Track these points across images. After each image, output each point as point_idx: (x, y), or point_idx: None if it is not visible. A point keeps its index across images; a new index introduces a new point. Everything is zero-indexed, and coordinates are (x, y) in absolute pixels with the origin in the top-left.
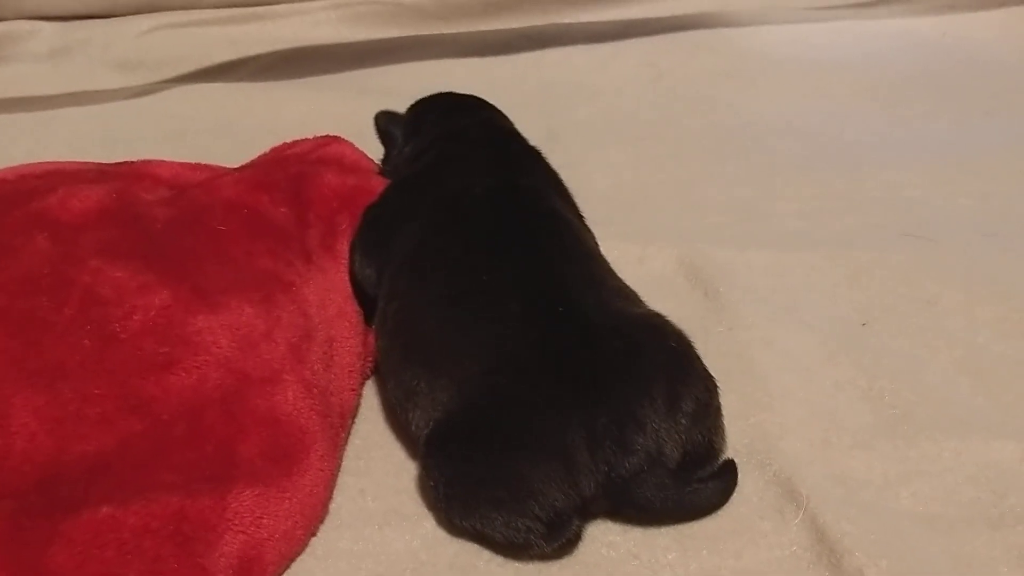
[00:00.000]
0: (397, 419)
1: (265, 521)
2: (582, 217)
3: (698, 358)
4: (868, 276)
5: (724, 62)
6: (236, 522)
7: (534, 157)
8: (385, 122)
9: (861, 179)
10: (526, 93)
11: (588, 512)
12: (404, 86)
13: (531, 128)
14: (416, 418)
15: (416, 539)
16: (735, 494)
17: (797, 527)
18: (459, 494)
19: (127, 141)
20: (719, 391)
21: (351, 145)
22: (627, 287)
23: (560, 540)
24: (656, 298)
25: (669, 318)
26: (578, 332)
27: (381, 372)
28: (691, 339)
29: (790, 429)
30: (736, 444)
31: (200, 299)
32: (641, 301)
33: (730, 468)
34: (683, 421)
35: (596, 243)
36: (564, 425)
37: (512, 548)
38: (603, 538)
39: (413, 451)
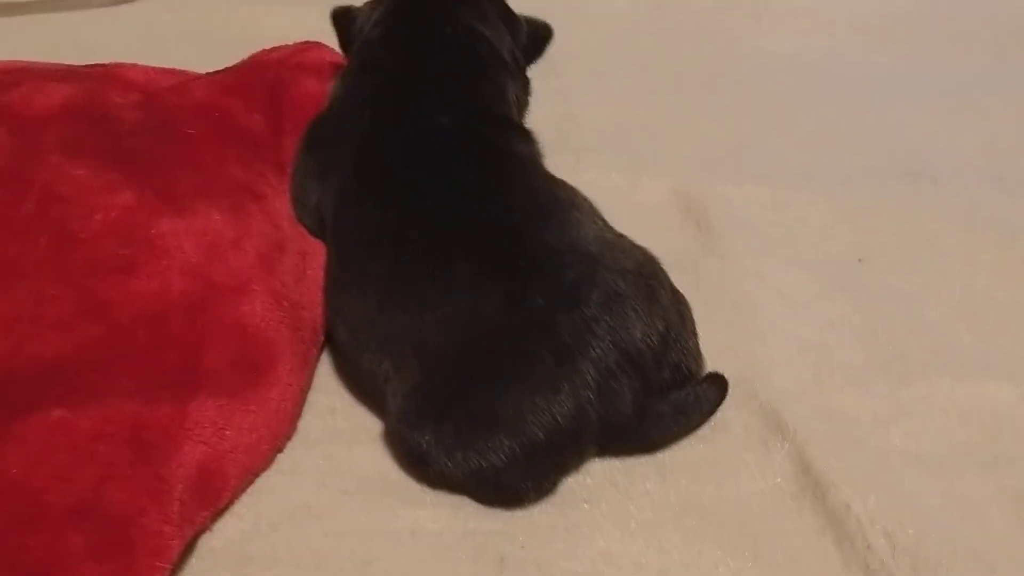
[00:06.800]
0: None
1: (228, 433)
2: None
3: (666, 280)
4: (867, 213)
5: None
6: (196, 432)
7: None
8: (343, 16)
9: (863, 116)
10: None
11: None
12: None
13: None
14: (389, 397)
15: (387, 459)
16: (718, 424)
17: (782, 459)
18: (449, 443)
19: (104, 49)
20: (693, 308)
21: (332, 51)
22: (583, 203)
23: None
24: (647, 229)
25: (646, 246)
26: (540, 286)
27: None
28: (681, 269)
29: (779, 363)
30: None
31: (165, 202)
32: (600, 217)
33: (718, 377)
34: (659, 349)
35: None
36: (552, 392)
37: (499, 497)
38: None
39: None
